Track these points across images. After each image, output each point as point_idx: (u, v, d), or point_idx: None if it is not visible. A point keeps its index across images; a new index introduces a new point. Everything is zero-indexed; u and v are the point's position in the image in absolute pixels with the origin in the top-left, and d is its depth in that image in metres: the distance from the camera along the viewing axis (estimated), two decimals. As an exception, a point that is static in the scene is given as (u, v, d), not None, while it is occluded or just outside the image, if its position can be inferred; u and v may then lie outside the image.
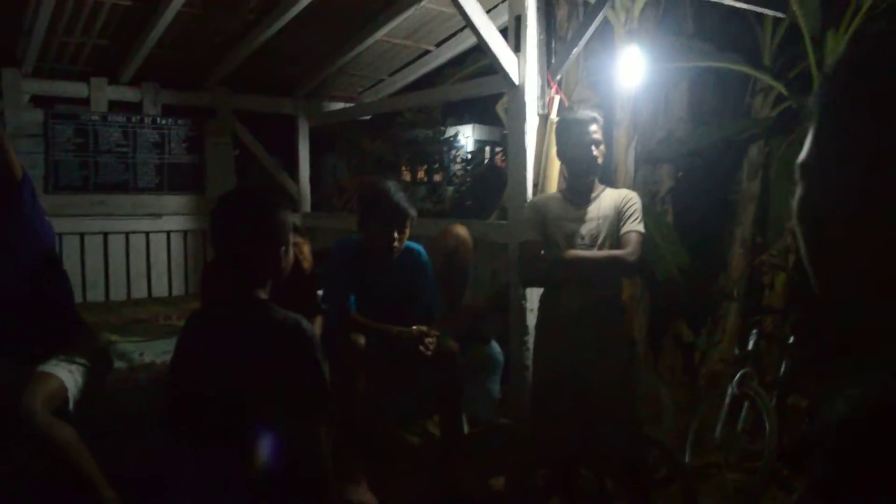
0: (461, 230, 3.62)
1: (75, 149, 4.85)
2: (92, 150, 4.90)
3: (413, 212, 3.09)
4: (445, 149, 8.20)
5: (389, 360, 3.05)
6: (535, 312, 3.57)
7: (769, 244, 5.55)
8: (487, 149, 14.88)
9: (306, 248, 3.64)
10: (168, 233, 5.28)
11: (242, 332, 1.86)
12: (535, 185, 3.55)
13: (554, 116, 3.52)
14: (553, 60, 3.60)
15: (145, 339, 3.80)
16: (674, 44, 5.04)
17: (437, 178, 8.16)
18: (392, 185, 3.09)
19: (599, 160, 2.99)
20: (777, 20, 5.47)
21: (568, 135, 3.02)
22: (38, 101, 4.83)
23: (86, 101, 4.94)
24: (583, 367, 2.86)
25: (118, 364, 3.17)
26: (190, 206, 5.31)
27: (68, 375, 2.59)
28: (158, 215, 5.20)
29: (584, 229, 2.93)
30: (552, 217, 3.01)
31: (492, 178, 9.03)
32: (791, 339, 3.99)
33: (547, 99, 3.56)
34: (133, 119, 5.05)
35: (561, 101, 3.56)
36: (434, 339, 3.01)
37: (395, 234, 3.02)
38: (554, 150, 3.46)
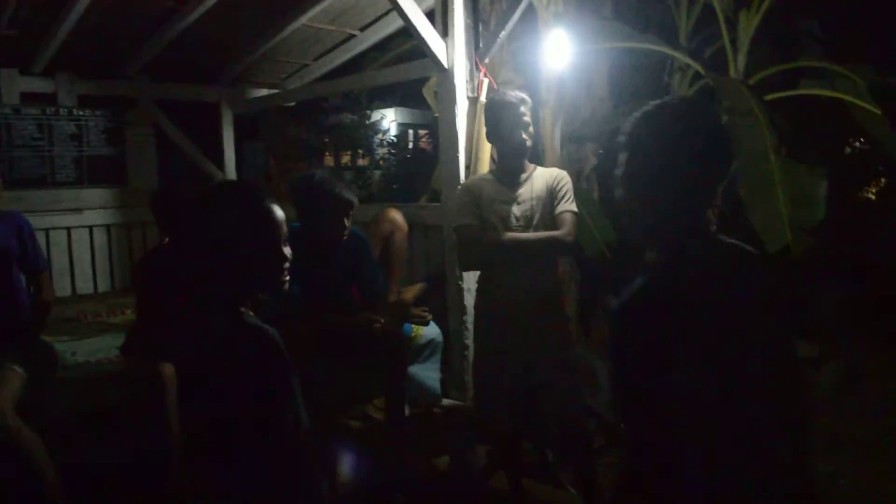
0: (395, 214, 3.65)
1: (-13, 143, 4.65)
2: (5, 144, 4.70)
3: (356, 198, 3.12)
4: (371, 133, 8.16)
5: (331, 347, 3.06)
6: (473, 292, 3.63)
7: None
8: (411, 132, 14.88)
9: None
10: (90, 227, 5.12)
11: (225, 356, 1.64)
12: (468, 168, 3.60)
13: (483, 99, 3.57)
14: (480, 44, 3.65)
15: (75, 337, 3.70)
16: (594, 26, 5.15)
17: (361, 162, 8.12)
18: (329, 175, 3.10)
19: (529, 142, 3.04)
20: (692, 1, 5.66)
21: (497, 117, 3.05)
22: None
23: (-3, 94, 4.73)
24: (523, 345, 2.92)
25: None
26: (112, 200, 5.16)
27: (24, 374, 2.56)
28: (79, 210, 5.03)
29: (519, 210, 2.98)
30: (486, 199, 3.04)
31: (418, 161, 9.07)
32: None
33: (476, 82, 3.61)
34: (48, 111, 4.87)
35: (489, 84, 3.62)
36: (381, 324, 3.05)
37: (344, 223, 3.06)
38: (484, 131, 3.51)
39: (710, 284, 1.44)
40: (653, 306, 1.42)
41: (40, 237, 4.88)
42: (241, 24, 4.78)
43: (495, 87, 3.64)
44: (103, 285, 5.23)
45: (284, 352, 1.67)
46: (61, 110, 4.91)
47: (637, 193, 1.52)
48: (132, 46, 4.86)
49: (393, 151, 8.97)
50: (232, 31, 4.87)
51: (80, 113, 4.99)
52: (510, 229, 2.95)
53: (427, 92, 5.59)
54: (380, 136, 8.59)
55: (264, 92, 5.81)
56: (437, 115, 3.92)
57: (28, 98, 4.85)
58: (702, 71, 5.38)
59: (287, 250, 1.76)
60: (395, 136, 9.59)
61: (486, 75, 3.62)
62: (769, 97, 4.87)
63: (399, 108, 16.13)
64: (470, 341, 3.66)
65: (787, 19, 5.58)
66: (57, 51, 4.62)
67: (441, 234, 3.78)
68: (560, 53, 3.81)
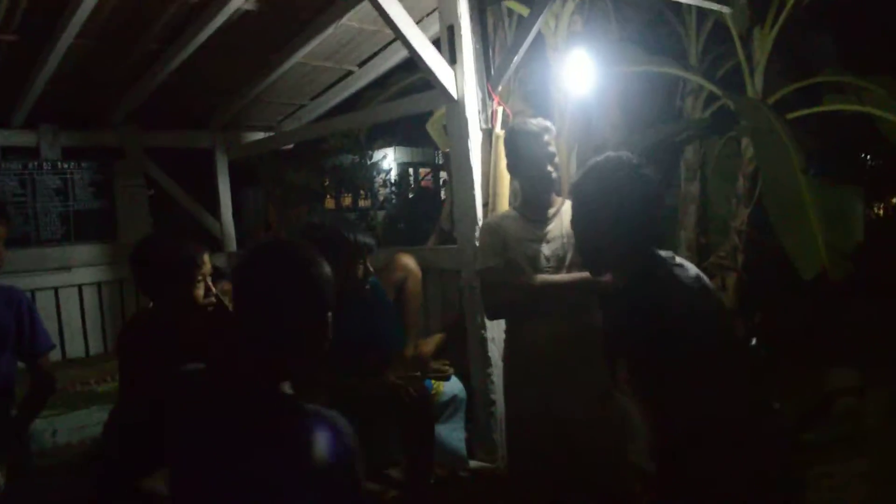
0: (408, 260, 3.32)
1: (-35, 203, 4.34)
2: (-15, 202, 4.40)
3: (374, 242, 2.83)
4: (373, 173, 7.89)
5: (350, 413, 2.71)
6: (497, 343, 3.30)
7: (713, 245, 5.47)
8: (412, 171, 14.67)
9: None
10: (80, 286, 4.80)
11: (267, 446, 1.40)
12: (485, 205, 3.29)
13: (499, 130, 3.28)
14: (492, 71, 3.36)
15: (59, 411, 3.34)
16: (603, 50, 4.91)
17: (362, 203, 7.84)
18: (341, 219, 2.81)
19: (555, 174, 2.76)
20: (700, 22, 5.43)
21: (519, 148, 2.79)
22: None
23: (-26, 150, 4.45)
24: (560, 401, 2.62)
25: (27, 448, 2.74)
26: (102, 256, 4.84)
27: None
28: (67, 268, 4.72)
29: (549, 250, 2.68)
30: (512, 239, 2.75)
31: (422, 201, 8.79)
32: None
33: (489, 112, 3.32)
34: (30, 165, 4.58)
35: (504, 114, 3.32)
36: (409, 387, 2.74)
37: (365, 269, 2.80)
38: (503, 164, 3.21)
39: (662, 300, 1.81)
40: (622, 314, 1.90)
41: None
42: (231, 65, 4.51)
43: (510, 116, 3.34)
44: (95, 347, 4.89)
45: (355, 451, 1.45)
46: (45, 164, 4.63)
47: (581, 235, 2.00)
48: (116, 94, 4.59)
49: (395, 191, 8.69)
50: (221, 72, 4.61)
51: (65, 166, 4.71)
52: (540, 271, 2.66)
53: (431, 127, 5.32)
54: (382, 176, 8.33)
55: (260, 135, 5.52)
56: (446, 150, 3.64)
57: (9, 152, 4.57)
58: (717, 92, 5.14)
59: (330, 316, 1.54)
60: (396, 176, 9.33)
61: (499, 104, 3.32)
62: (791, 116, 4.63)
63: (398, 148, 15.95)
64: (497, 396, 3.32)
65: (802, 35, 5.36)
66: (37, 101, 4.35)
67: (458, 278, 3.45)
68: (580, 77, 3.53)
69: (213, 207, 5.41)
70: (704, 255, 5.43)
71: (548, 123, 2.83)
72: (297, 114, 5.50)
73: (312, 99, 5.34)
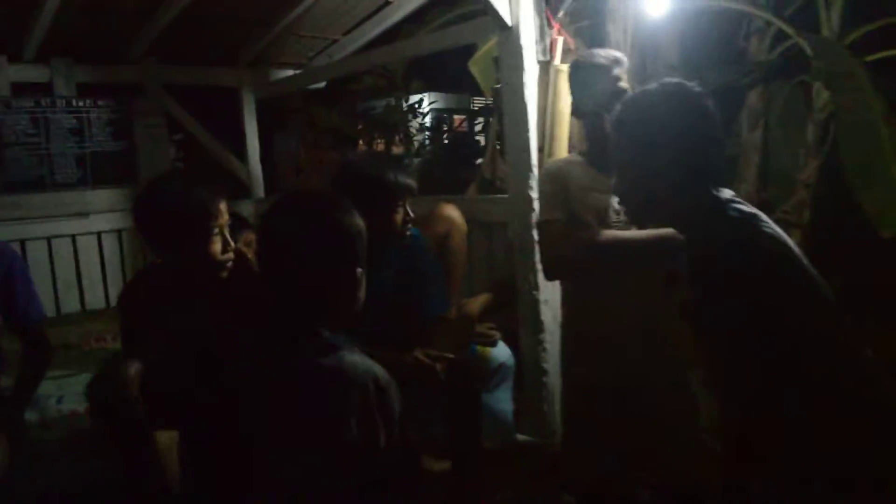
0: (452, 211, 2.94)
1: (-26, 143, 4.05)
2: (-5, 142, 4.10)
3: (414, 184, 2.47)
4: (410, 117, 7.42)
5: None
6: (551, 305, 2.94)
7: (774, 199, 5.04)
8: (447, 117, 14.12)
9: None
10: (98, 234, 4.51)
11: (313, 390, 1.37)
12: (540, 150, 2.89)
13: (559, 63, 2.85)
14: (552, -6, 2.93)
15: (68, 372, 3.06)
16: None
17: (395, 150, 7.42)
18: (378, 158, 2.45)
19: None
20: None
21: (585, 84, 2.41)
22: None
23: (-17, 85, 4.12)
24: (627, 374, 2.28)
25: (27, 416, 2.44)
26: (122, 201, 4.52)
27: None
28: (85, 214, 4.42)
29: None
30: (576, 188, 2.37)
31: (459, 146, 8.35)
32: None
33: (548, 42, 2.89)
34: (43, 102, 4.24)
35: (566, 44, 2.89)
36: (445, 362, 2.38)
37: (405, 214, 2.43)
38: (562, 103, 2.80)
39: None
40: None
41: (41, 246, 4.31)
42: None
43: (572, 46, 2.91)
44: (116, 298, 4.61)
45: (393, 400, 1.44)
46: (58, 101, 4.29)
47: (629, 177, 1.71)
48: (134, 24, 4.21)
49: (430, 136, 8.24)
50: (248, 2, 4.20)
51: (81, 104, 4.36)
52: (608, 226, 2.29)
53: (475, 65, 4.86)
54: (418, 120, 7.86)
55: (289, 73, 5.12)
56: (495, 86, 3.22)
57: (20, 89, 4.23)
58: (787, 30, 4.66)
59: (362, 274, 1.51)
60: (433, 120, 8.86)
61: (560, 33, 2.89)
62: (871, 58, 4.17)
63: (433, 93, 15.35)
64: (548, 365, 2.97)
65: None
66: (49, 33, 3.99)
67: (507, 232, 3.07)
68: (641, 11, 3.10)
69: (240, 151, 5.05)
70: (765, 209, 5.00)
71: (618, 55, 2.43)
72: (329, 50, 5.06)
73: (346, 34, 4.90)
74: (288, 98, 5.73)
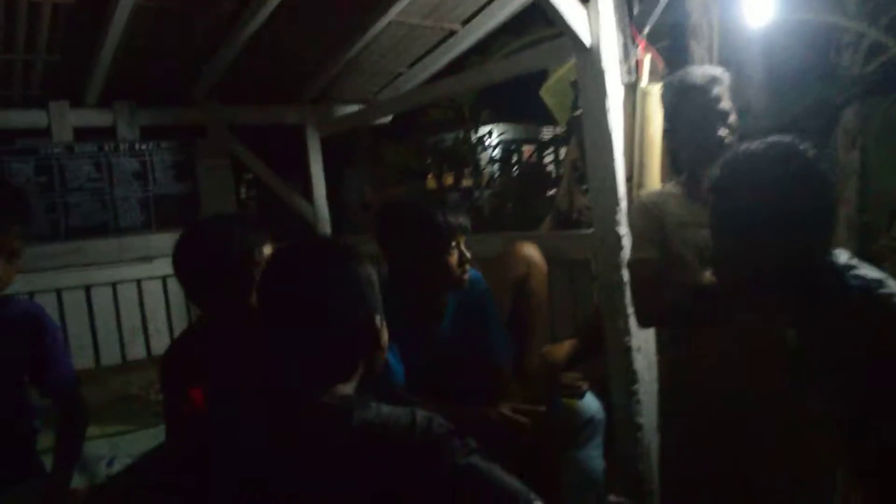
0: (530, 250, 2.67)
1: (39, 189, 3.99)
2: (59, 188, 4.04)
3: (467, 223, 2.19)
4: (479, 149, 7.19)
5: None
6: (645, 353, 2.63)
7: (874, 224, 4.63)
8: (513, 147, 13.92)
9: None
10: (163, 278, 4.39)
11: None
12: (629, 180, 2.60)
13: (646, 84, 2.57)
14: (636, 9, 2.65)
15: (125, 428, 2.88)
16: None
17: (465, 183, 7.20)
18: (426, 194, 2.21)
19: (728, 138, 2.08)
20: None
21: (680, 106, 2.14)
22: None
23: (47, 132, 4.07)
24: (736, 437, 1.97)
25: (75, 482, 2.25)
26: (186, 245, 4.40)
27: None
28: (149, 259, 4.31)
29: (722, 238, 1.99)
30: (672, 223, 2.09)
31: (530, 178, 8.08)
32: None
33: (633, 62, 2.61)
34: (106, 147, 4.18)
35: (653, 63, 2.61)
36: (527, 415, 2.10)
37: (461, 255, 2.15)
38: (652, 128, 2.51)
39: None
40: None
41: (105, 292, 4.22)
42: (318, 27, 3.95)
43: (661, 66, 2.63)
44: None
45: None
46: (121, 145, 4.21)
47: (728, 250, 1.55)
48: (194, 65, 4.11)
49: (499, 168, 8.00)
50: (309, 37, 4.06)
51: (143, 146, 4.28)
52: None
53: (546, 93, 4.61)
54: (488, 152, 7.64)
55: (354, 108, 4.97)
56: (574, 113, 2.96)
57: (82, 134, 4.18)
58: (884, 41, 4.29)
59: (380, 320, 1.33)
60: (505, 151, 8.64)
61: (646, 50, 2.61)
62: None
63: (501, 124, 15.23)
64: (643, 419, 2.64)
65: None
66: (110, 77, 3.93)
67: (592, 271, 2.78)
68: (762, 16, 2.82)
69: (306, 189, 4.90)
70: (865, 235, 4.63)
71: (718, 73, 2.15)
72: (394, 84, 4.90)
73: (410, 66, 4.73)
74: (354, 134, 5.58)
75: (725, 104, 2.10)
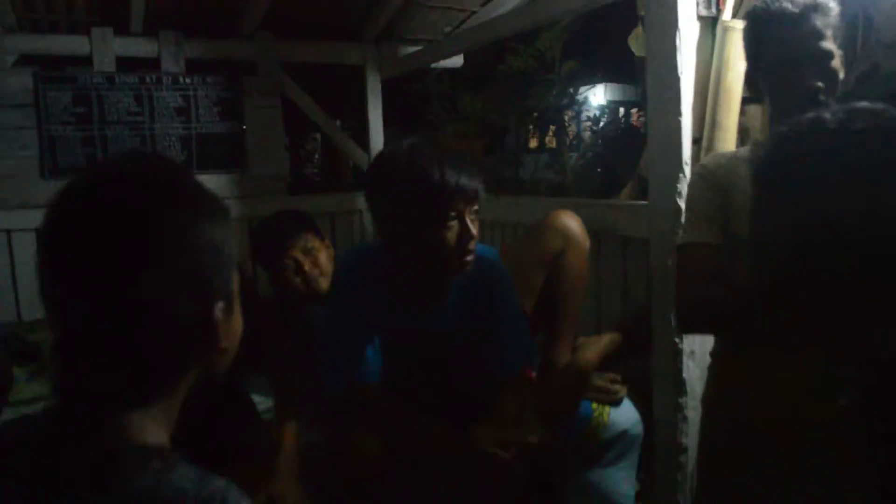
0: (568, 220, 2.18)
1: (76, 120, 3.76)
2: (97, 120, 3.80)
3: (478, 185, 1.72)
4: (565, 102, 6.53)
5: (426, 483, 1.71)
6: (699, 360, 2.12)
7: None
8: (622, 110, 13.12)
9: (323, 258, 2.38)
10: (204, 222, 4.13)
11: None
12: (696, 141, 2.07)
13: (729, 18, 2.02)
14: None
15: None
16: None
17: (550, 144, 6.63)
18: (424, 146, 1.76)
19: (839, 83, 1.55)
20: None
21: (769, 43, 1.60)
22: (28, 61, 3.77)
23: (88, 60, 3.83)
24: (792, 477, 1.47)
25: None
26: (230, 188, 4.13)
27: None
28: (189, 201, 4.05)
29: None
30: (742, 199, 1.57)
31: (627, 141, 7.44)
32: None
33: (715, -11, 2.06)
34: (148, 79, 3.91)
35: (741, -9, 2.05)
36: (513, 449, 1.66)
37: (462, 231, 1.69)
38: (732, 76, 1.97)
39: None
40: None
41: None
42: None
43: (751, -5, 2.06)
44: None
45: None
46: (164, 77, 3.94)
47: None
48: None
49: (595, 128, 7.38)
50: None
51: (187, 80, 4.00)
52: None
53: (634, 41, 4.03)
54: (579, 108, 7.01)
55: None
56: (642, 54, 2.42)
57: (126, 64, 3.92)
58: None
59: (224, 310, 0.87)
60: (596, 112, 7.97)
61: (734, -24, 2.05)
62: None
63: (609, 85, 14.40)
64: (688, 439, 2.14)
65: None
66: (156, 3, 3.64)
67: (647, 251, 2.27)
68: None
69: (363, 137, 4.52)
70: None
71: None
72: (467, 25, 4.42)
73: (484, 4, 4.23)
74: (424, 80, 5.15)
75: (829, 44, 1.56)
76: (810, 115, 1.01)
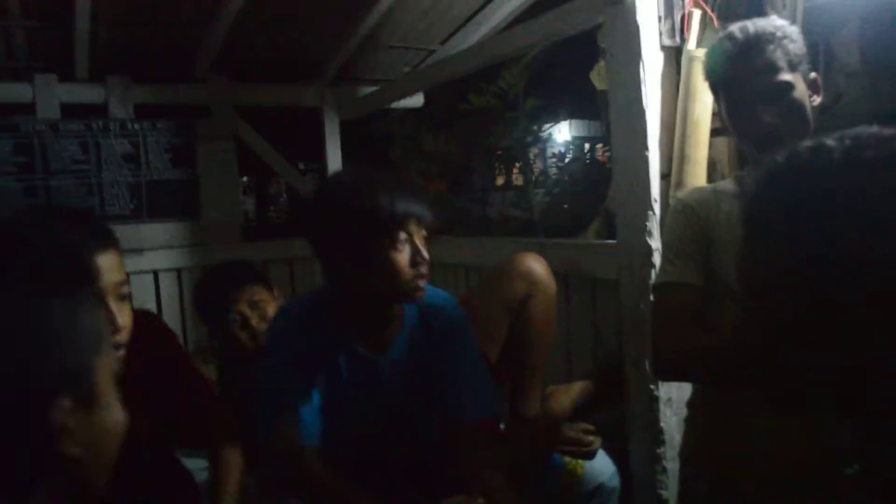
0: (534, 263, 2.06)
1: (17, 170, 3.58)
2: (41, 170, 3.62)
3: (425, 213, 1.61)
4: (530, 139, 6.45)
5: None
6: (676, 407, 1.99)
7: None
8: (588, 146, 13.17)
9: (272, 311, 2.24)
10: (155, 272, 3.95)
11: None
12: (665, 177, 1.97)
13: (694, 48, 1.94)
14: (685, -50, 2.01)
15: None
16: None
17: (516, 181, 6.57)
18: (371, 175, 1.65)
19: (808, 112, 1.45)
20: None
21: (735, 75, 1.50)
22: (-35, 110, 3.61)
23: (31, 107, 3.67)
24: None
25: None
26: (182, 236, 3.97)
27: None
28: (139, 251, 3.86)
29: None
30: (724, 236, 1.46)
31: (593, 177, 7.41)
32: None
33: (677, 17, 1.98)
34: (94, 126, 3.75)
35: (707, 19, 1.97)
36: None
37: (414, 252, 1.59)
38: (699, 107, 1.88)
39: None
40: None
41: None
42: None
43: (717, 24, 1.98)
44: (176, 345, 4.04)
45: None
46: (111, 124, 3.78)
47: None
48: (193, 35, 3.63)
49: (560, 165, 7.33)
50: (322, 3, 3.54)
51: (137, 126, 3.84)
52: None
53: (596, 76, 3.99)
54: (540, 144, 6.97)
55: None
56: (604, 87, 2.33)
57: (71, 111, 3.76)
58: None
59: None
60: (561, 149, 7.95)
61: (696, 4, 1.96)
62: None
63: (574, 121, 14.48)
64: (668, 492, 2.01)
65: None
66: (101, 50, 3.51)
67: (618, 293, 2.15)
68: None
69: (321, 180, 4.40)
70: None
71: (783, 25, 1.51)
72: (425, 64, 4.34)
73: (443, 42, 4.16)
74: (385, 121, 5.05)
75: (785, 76, 1.45)
76: (810, 142, 0.89)
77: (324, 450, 1.65)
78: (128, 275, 1.45)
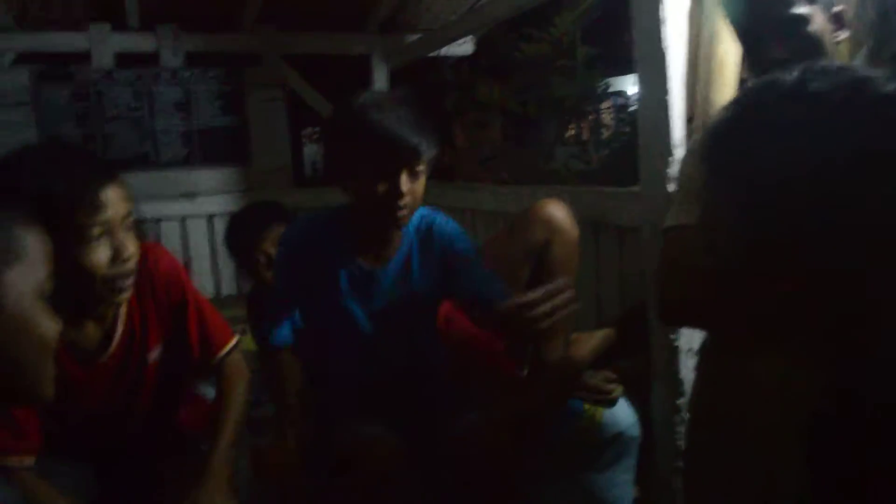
0: (556, 210, 2.03)
1: (74, 118, 3.73)
2: (96, 117, 3.76)
3: (423, 143, 1.59)
4: (599, 90, 6.23)
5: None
6: (695, 354, 1.96)
7: None
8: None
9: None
10: (210, 217, 4.07)
11: None
12: (690, 120, 1.92)
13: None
14: None
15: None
16: None
17: (575, 132, 6.44)
18: (384, 98, 1.68)
19: (826, 48, 1.38)
20: None
21: (748, 7, 1.45)
22: (26, 59, 3.74)
23: (87, 57, 3.79)
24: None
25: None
26: (232, 182, 4.07)
27: None
28: (193, 195, 3.99)
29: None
30: None
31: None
32: None
33: (706, -47, 1.89)
34: (147, 74, 3.85)
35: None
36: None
37: (396, 182, 1.58)
38: (724, 47, 1.81)
39: None
40: None
41: (149, 229, 3.96)
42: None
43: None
44: (228, 287, 4.17)
45: None
46: (163, 72, 3.88)
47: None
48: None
49: (620, 116, 7.13)
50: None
51: (188, 74, 3.93)
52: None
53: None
54: (600, 95, 6.77)
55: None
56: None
57: (124, 59, 3.87)
58: None
59: None
60: (624, 100, 7.72)
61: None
62: None
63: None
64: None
65: None
66: (153, -2, 3.59)
67: (641, 240, 2.11)
68: None
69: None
70: None
71: None
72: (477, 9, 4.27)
73: (493, -13, 4.07)
74: (437, 69, 5.02)
75: (801, 8, 1.38)
76: (769, 76, 0.85)
77: (328, 366, 1.79)
78: (131, 211, 1.49)
